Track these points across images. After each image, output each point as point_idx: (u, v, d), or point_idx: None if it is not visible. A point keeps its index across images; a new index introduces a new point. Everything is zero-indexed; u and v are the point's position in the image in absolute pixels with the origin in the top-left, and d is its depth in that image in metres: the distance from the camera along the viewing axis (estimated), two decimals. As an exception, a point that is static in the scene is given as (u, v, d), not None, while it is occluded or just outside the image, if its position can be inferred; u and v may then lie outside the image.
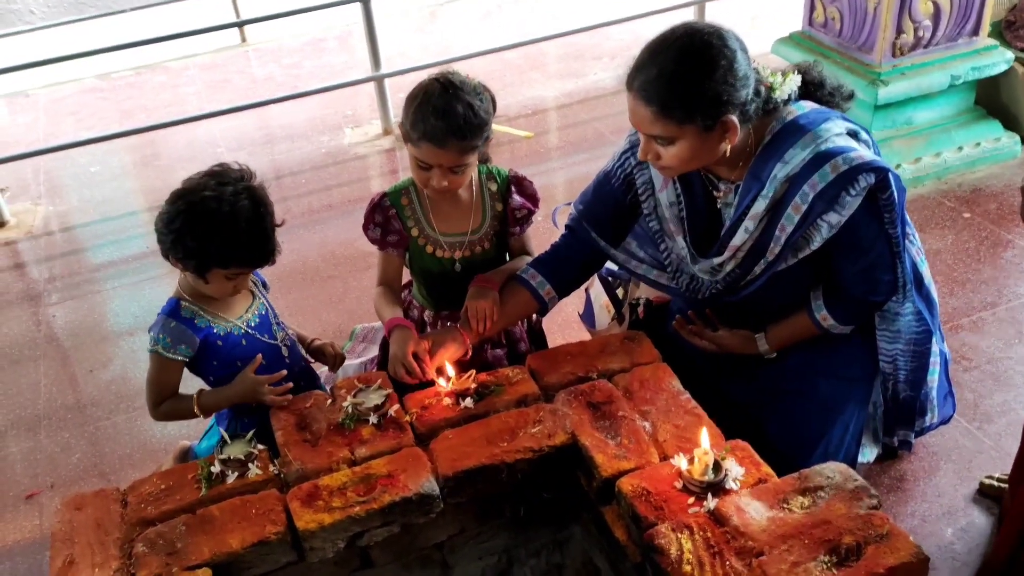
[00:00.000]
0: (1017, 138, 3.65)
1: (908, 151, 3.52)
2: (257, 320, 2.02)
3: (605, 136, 4.27)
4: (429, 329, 2.24)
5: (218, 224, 1.79)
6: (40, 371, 3.03)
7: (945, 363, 2.21)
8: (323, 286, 3.29)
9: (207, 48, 5.74)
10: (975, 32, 3.48)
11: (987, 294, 2.90)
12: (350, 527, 1.67)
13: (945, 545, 2.07)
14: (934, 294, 2.05)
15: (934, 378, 2.12)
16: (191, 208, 1.80)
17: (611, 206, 2.06)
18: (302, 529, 1.64)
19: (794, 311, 2.00)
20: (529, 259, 2.19)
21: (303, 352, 2.18)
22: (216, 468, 1.77)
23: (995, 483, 2.18)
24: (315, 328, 3.02)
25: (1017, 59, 3.61)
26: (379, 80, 4.33)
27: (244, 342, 1.99)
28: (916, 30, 3.37)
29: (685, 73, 1.70)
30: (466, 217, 2.13)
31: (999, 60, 3.51)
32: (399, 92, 4.57)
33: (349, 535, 1.68)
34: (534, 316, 2.31)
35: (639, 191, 2.01)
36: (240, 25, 5.49)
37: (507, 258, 2.24)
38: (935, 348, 2.04)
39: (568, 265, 2.15)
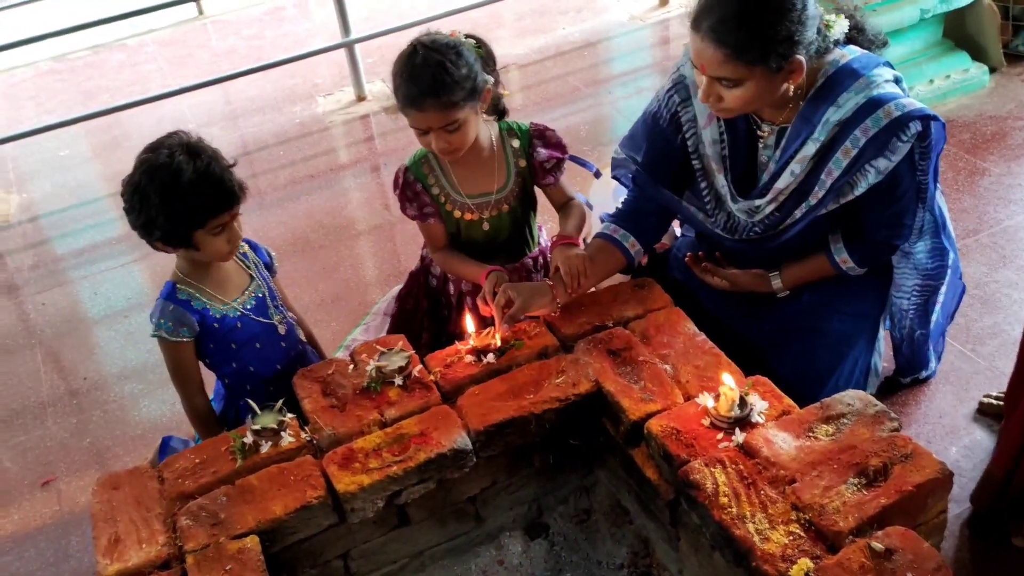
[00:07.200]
0: (985, 68, 3.71)
1: (881, 87, 3.57)
2: (254, 303, 2.03)
3: (580, 90, 4.28)
4: (454, 298, 2.25)
5: (166, 188, 1.78)
6: (38, 359, 3.00)
7: (960, 296, 2.28)
8: (315, 257, 3.28)
9: (163, 23, 5.61)
10: (941, -35, 3.53)
11: (968, 222, 2.97)
12: (389, 486, 1.71)
13: (952, 463, 2.12)
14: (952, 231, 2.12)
15: (933, 317, 2.19)
16: (136, 189, 1.81)
17: (665, 149, 2.04)
18: (342, 491, 1.67)
19: (812, 254, 2.04)
20: (579, 206, 2.20)
21: (301, 336, 2.18)
22: (249, 439, 1.79)
23: (993, 401, 2.26)
24: (311, 299, 3.04)
25: (982, -11, 3.66)
26: (350, 46, 4.28)
27: (239, 324, 2.00)
28: (885, -35, 3.41)
29: (762, 13, 1.67)
30: (490, 177, 2.12)
31: (966, -9, 3.57)
32: (368, 58, 4.54)
33: (388, 494, 1.72)
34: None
35: (684, 129, 2.00)
36: (196, -3, 5.38)
37: (530, 221, 2.24)
38: (944, 287, 2.11)
39: (644, 216, 2.15)
